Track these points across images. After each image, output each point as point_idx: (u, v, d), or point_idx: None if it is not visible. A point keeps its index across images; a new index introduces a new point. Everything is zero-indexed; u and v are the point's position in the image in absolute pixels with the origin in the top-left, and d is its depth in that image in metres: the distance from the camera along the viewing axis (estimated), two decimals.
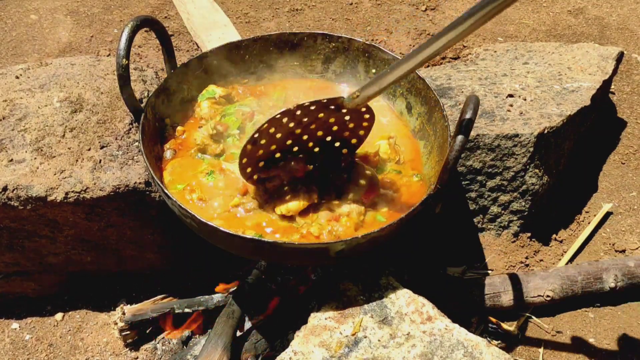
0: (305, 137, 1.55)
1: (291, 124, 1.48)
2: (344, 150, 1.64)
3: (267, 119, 1.44)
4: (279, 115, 1.44)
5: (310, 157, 1.62)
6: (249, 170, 1.55)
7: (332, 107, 1.47)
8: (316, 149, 1.60)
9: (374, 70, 1.95)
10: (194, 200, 1.60)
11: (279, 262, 1.90)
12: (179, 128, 1.81)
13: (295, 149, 1.57)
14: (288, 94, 1.93)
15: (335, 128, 1.55)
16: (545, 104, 2.15)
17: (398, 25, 3.32)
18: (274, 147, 1.53)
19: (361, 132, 1.59)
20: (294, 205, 1.55)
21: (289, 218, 1.58)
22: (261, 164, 1.56)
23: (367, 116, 1.54)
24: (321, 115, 1.48)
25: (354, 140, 1.62)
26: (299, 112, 1.45)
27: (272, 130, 1.47)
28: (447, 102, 2.14)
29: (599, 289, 2.03)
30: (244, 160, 1.51)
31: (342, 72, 2.00)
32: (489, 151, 2.05)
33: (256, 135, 1.46)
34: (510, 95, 2.19)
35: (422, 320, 1.51)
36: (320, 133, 1.55)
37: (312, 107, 1.46)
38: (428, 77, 2.31)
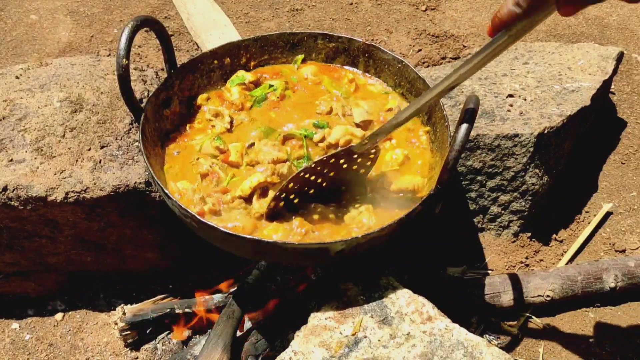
0: (319, 180, 1.62)
1: (308, 175, 1.58)
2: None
3: (290, 178, 1.54)
4: (301, 173, 1.54)
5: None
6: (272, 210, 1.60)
7: (343, 153, 1.56)
8: (324, 184, 1.65)
9: (373, 70, 1.95)
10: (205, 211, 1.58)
11: (279, 262, 1.90)
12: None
13: (312, 191, 1.63)
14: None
15: (345, 166, 1.62)
16: (545, 104, 2.15)
17: (398, 25, 3.32)
18: (292, 195, 1.60)
19: (368, 163, 1.65)
20: (248, 182, 1.59)
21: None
22: (281, 204, 1.61)
23: (373, 150, 1.59)
24: (332, 160, 1.57)
25: (362, 171, 1.67)
26: (318, 168, 1.56)
27: (290, 185, 1.55)
28: (447, 102, 2.14)
29: (599, 289, 2.03)
30: (272, 204, 1.57)
31: None
32: (489, 151, 2.05)
33: (277, 193, 1.55)
34: (510, 95, 2.19)
35: (422, 320, 1.51)
36: (332, 174, 1.62)
37: (330, 160, 1.56)
38: (428, 77, 2.31)
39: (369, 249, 1.48)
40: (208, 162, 1.68)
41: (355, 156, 1.58)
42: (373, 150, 1.59)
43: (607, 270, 2.04)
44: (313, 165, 1.54)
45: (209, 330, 1.87)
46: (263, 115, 1.84)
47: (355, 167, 1.63)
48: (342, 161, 1.58)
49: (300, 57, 2.00)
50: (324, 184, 1.64)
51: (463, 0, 3.53)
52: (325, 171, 1.59)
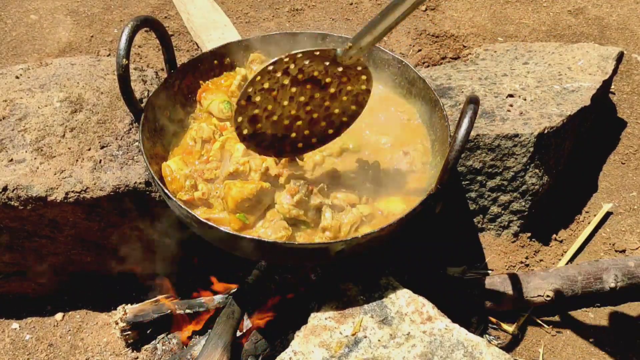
0: (302, 98, 1.45)
1: (285, 81, 1.40)
2: (343, 117, 1.55)
3: (258, 70, 1.36)
4: (270, 67, 1.36)
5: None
6: (245, 131, 1.47)
7: (327, 62, 1.40)
8: (315, 115, 1.50)
9: (373, 70, 1.95)
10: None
11: (279, 262, 1.90)
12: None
13: (293, 112, 1.48)
14: None
15: (332, 89, 1.47)
16: (545, 104, 2.15)
17: (398, 25, 3.32)
18: (270, 106, 1.44)
19: (360, 99, 1.51)
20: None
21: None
22: (259, 125, 1.47)
23: (364, 77, 1.45)
24: (316, 73, 1.41)
25: (344, 119, 1.55)
26: (292, 66, 1.38)
27: (265, 84, 1.39)
28: (447, 102, 2.14)
29: (599, 289, 2.03)
30: (240, 119, 1.43)
31: None
32: (489, 151, 2.05)
33: (250, 90, 1.38)
34: (510, 95, 2.19)
35: (422, 320, 1.51)
36: (317, 94, 1.47)
37: (306, 61, 1.38)
38: (428, 77, 2.31)
39: (369, 249, 1.48)
40: (210, 127, 1.71)
41: (341, 72, 1.41)
42: (364, 77, 1.43)
43: (607, 270, 2.03)
44: (284, 57, 1.35)
45: (209, 330, 1.87)
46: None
47: (345, 97, 1.47)
48: (327, 79, 1.42)
49: None
50: (309, 108, 1.47)
51: (463, 0, 3.52)
52: (305, 83, 1.42)
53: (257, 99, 1.41)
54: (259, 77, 1.37)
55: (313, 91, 1.46)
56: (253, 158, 1.62)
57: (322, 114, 1.52)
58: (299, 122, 1.51)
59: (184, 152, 1.71)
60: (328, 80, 1.44)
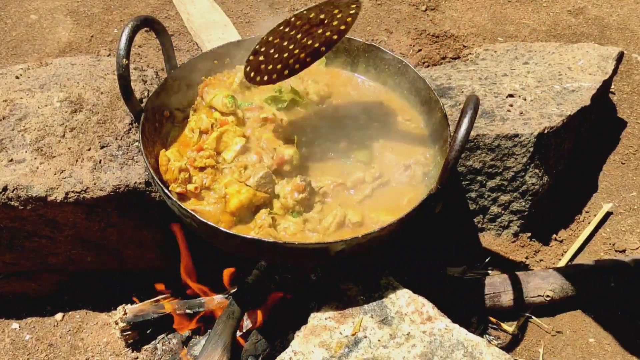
0: (299, 35, 1.63)
1: (287, 29, 1.62)
2: (333, 35, 1.70)
3: (269, 31, 1.60)
4: (280, 27, 1.60)
5: None
6: (252, 75, 1.65)
7: (323, 5, 1.60)
8: (309, 42, 1.65)
9: (373, 70, 1.95)
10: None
11: (279, 262, 1.90)
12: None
13: (292, 46, 1.64)
14: None
15: (326, 21, 1.64)
16: (545, 104, 2.15)
17: (398, 25, 3.32)
18: (272, 50, 1.63)
19: (348, 19, 1.64)
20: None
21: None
22: (262, 66, 1.65)
23: (353, 5, 1.60)
24: (312, 15, 1.62)
25: (335, 37, 1.68)
26: (293, 19, 1.60)
27: (270, 38, 1.62)
28: (447, 102, 2.14)
29: (599, 289, 2.03)
30: (248, 69, 1.65)
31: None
32: (489, 151, 2.05)
33: (257, 47, 1.62)
34: (510, 95, 2.19)
35: (422, 320, 1.51)
36: (313, 29, 1.65)
37: (304, 12, 1.60)
38: (428, 77, 2.31)
39: (369, 248, 1.48)
40: (210, 120, 1.72)
41: (336, 12, 1.60)
42: (353, 5, 1.59)
43: (607, 270, 2.03)
44: (293, 19, 1.60)
45: (209, 330, 1.87)
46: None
47: (335, 22, 1.62)
48: (322, 16, 1.61)
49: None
50: (305, 40, 1.63)
51: (463, 0, 3.53)
52: (303, 25, 1.61)
53: (262, 49, 1.63)
54: (270, 38, 1.61)
55: (310, 28, 1.64)
56: (258, 162, 1.65)
57: (316, 38, 1.65)
58: (296, 50, 1.66)
59: (182, 144, 1.72)
60: (322, 16, 1.62)
